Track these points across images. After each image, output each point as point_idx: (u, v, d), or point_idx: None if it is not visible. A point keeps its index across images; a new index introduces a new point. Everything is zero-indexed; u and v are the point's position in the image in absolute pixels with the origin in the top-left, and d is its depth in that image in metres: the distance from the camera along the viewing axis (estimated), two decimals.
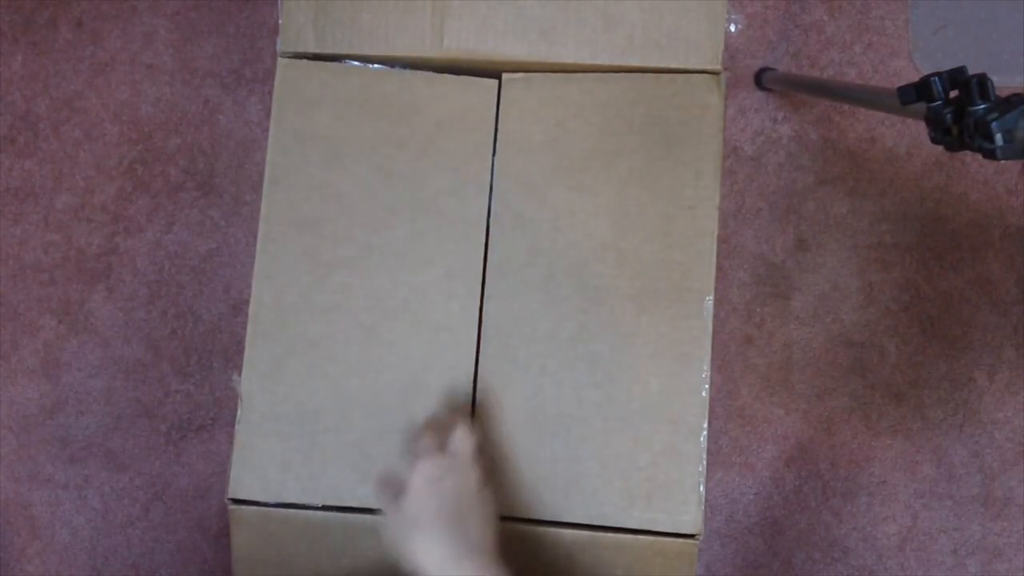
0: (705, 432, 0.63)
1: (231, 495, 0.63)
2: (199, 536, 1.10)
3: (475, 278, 0.65)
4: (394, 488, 0.51)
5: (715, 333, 0.64)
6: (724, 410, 1.10)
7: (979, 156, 0.59)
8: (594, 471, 0.64)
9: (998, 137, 0.57)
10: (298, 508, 0.63)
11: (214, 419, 1.10)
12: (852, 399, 1.10)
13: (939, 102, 0.61)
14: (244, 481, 0.64)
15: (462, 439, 0.53)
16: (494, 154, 0.67)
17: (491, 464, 0.55)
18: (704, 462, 0.63)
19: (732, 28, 0.66)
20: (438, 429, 0.54)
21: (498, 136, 0.67)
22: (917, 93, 0.62)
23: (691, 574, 0.63)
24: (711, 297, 0.64)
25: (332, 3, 0.65)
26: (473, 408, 0.65)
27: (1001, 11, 1.10)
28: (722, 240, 1.08)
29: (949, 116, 0.61)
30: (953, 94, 0.61)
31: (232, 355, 1.10)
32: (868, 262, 1.10)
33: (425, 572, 0.47)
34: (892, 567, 1.11)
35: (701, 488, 0.63)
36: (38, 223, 1.10)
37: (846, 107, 1.10)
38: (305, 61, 0.66)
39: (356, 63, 0.67)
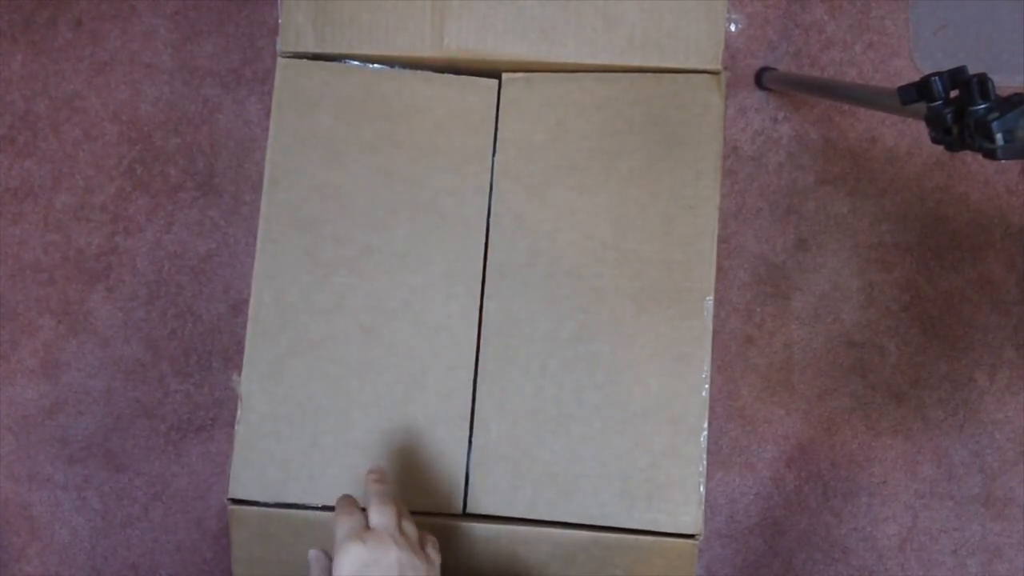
0: (705, 432, 0.63)
1: (231, 495, 0.63)
2: (199, 536, 1.10)
3: (475, 278, 0.65)
4: (360, 518, 0.50)
5: (715, 333, 0.64)
6: (724, 410, 1.10)
7: (980, 156, 0.59)
8: (594, 471, 0.64)
9: (999, 137, 0.57)
10: (298, 508, 0.63)
11: (214, 419, 1.10)
12: (853, 399, 1.10)
13: (939, 102, 0.61)
14: (244, 481, 0.63)
15: (381, 516, 0.49)
16: (494, 154, 0.67)
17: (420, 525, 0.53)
18: (704, 462, 0.63)
19: (732, 28, 0.65)
20: (355, 508, 0.51)
21: (498, 136, 0.67)
22: (918, 93, 0.62)
23: (691, 574, 0.63)
24: (711, 297, 0.64)
25: (332, 3, 0.65)
26: (473, 408, 0.65)
27: (1001, 11, 1.10)
28: (722, 240, 1.08)
29: (949, 116, 0.61)
30: (953, 94, 0.61)
31: (232, 355, 1.10)
32: (869, 262, 1.10)
33: None
34: (892, 567, 1.11)
35: (701, 488, 0.63)
36: (37, 223, 1.10)
37: (846, 107, 1.10)
38: (305, 61, 0.66)
39: (356, 63, 0.66)
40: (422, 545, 0.50)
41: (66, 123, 1.10)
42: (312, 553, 0.52)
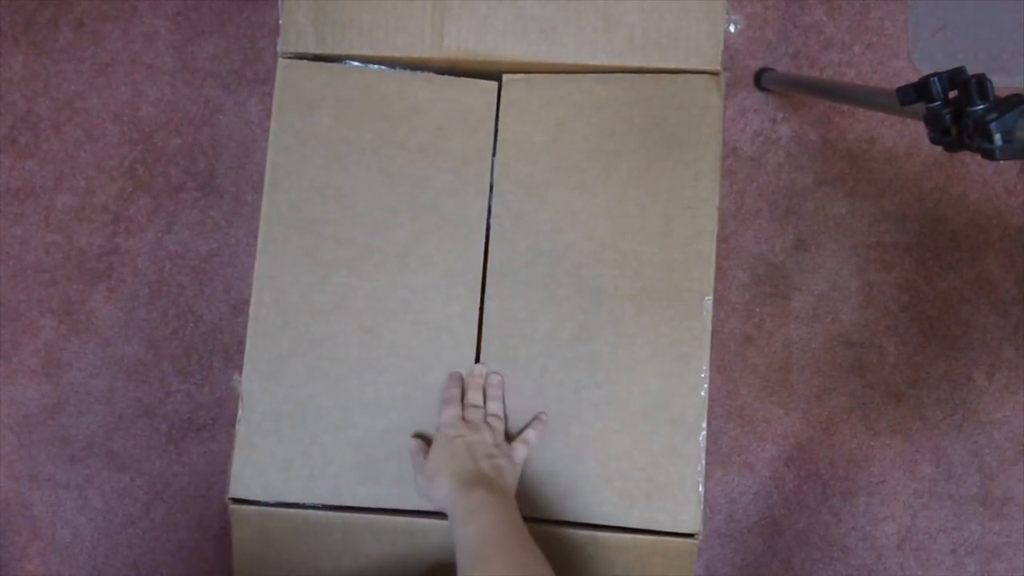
0: (704, 432, 0.63)
1: (232, 495, 0.64)
2: (200, 536, 1.11)
3: (475, 279, 0.66)
4: (421, 455, 0.62)
5: (714, 333, 0.64)
6: (724, 410, 1.10)
7: (978, 156, 0.60)
8: (594, 471, 0.64)
9: (997, 137, 0.57)
10: (298, 508, 0.64)
11: (215, 419, 1.10)
12: (851, 399, 1.11)
13: (938, 102, 0.61)
14: (245, 481, 0.64)
15: (474, 411, 0.63)
16: (494, 155, 0.67)
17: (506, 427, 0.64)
18: (703, 462, 0.63)
19: (732, 28, 0.66)
20: (459, 399, 0.64)
21: (498, 137, 0.67)
22: (916, 93, 0.62)
23: (690, 573, 0.63)
24: (710, 297, 0.64)
25: (332, 3, 0.65)
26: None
27: (1000, 11, 1.10)
28: (721, 240, 1.09)
29: (948, 116, 0.61)
30: (952, 94, 0.61)
31: (233, 355, 1.10)
32: (867, 262, 1.11)
33: (437, 499, 0.58)
34: (891, 566, 1.11)
35: (700, 488, 0.63)
36: (39, 223, 1.10)
37: (845, 108, 1.10)
38: (305, 62, 0.66)
39: (356, 64, 0.67)
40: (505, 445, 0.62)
41: (67, 124, 1.11)
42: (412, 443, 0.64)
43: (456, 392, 0.63)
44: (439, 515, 0.64)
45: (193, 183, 1.10)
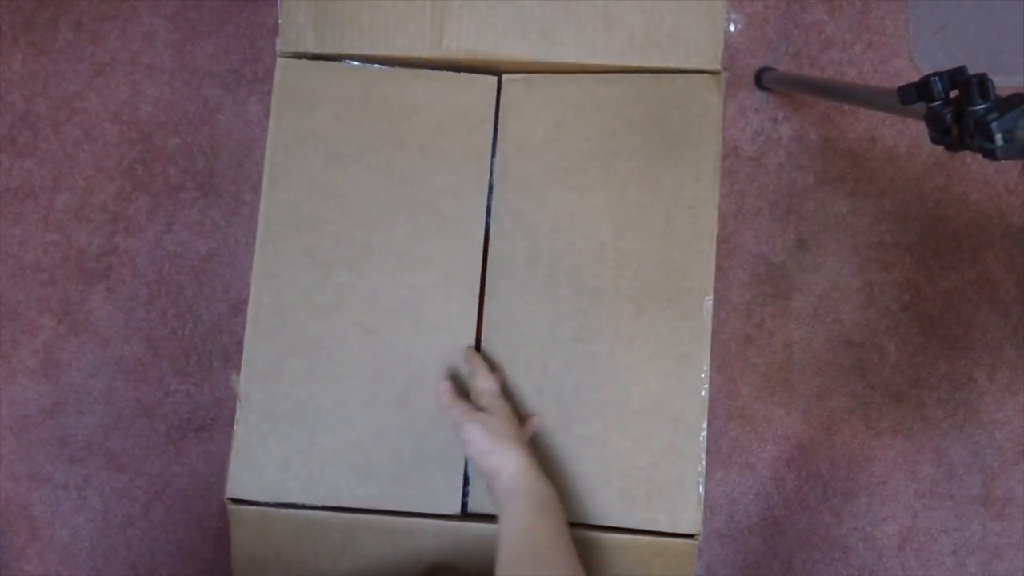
0: (704, 432, 0.63)
1: (230, 495, 0.63)
2: (199, 536, 1.10)
3: (474, 278, 0.65)
4: (468, 403, 0.60)
5: (715, 333, 0.64)
6: (724, 410, 1.10)
7: (979, 156, 0.59)
8: (594, 471, 0.64)
9: (998, 137, 0.57)
10: (297, 508, 0.63)
11: (214, 419, 1.10)
12: (852, 399, 1.10)
13: (939, 102, 0.61)
14: (243, 481, 0.64)
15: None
16: (494, 154, 0.67)
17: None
18: (704, 462, 0.63)
19: (732, 28, 0.65)
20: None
21: (498, 136, 0.67)
22: (917, 93, 0.62)
23: (691, 574, 0.63)
24: (711, 297, 0.64)
25: (332, 3, 0.65)
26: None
27: (1001, 11, 1.10)
28: (722, 240, 1.08)
29: (949, 116, 0.61)
30: (953, 94, 0.61)
31: (232, 355, 1.10)
32: (868, 262, 1.10)
33: (498, 464, 0.56)
34: (892, 567, 1.11)
35: (701, 488, 0.63)
36: (38, 223, 1.10)
37: (846, 107, 1.10)
38: (305, 61, 0.66)
39: (356, 63, 0.67)
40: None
41: (66, 123, 1.10)
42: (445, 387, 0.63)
43: (482, 364, 0.63)
44: (438, 515, 0.64)
45: (192, 183, 1.10)
